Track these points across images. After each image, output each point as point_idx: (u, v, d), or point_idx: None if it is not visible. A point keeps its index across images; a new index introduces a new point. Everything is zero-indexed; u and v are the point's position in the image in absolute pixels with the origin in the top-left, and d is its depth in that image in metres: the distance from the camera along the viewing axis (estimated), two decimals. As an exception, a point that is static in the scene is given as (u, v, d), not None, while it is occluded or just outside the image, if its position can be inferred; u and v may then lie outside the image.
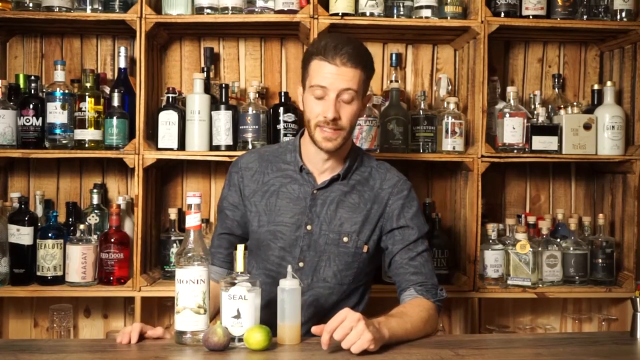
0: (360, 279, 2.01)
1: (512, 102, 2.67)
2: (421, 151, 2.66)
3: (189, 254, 1.67)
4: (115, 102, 2.58)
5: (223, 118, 2.59)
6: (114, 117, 2.56)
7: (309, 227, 1.95)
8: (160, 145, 2.60)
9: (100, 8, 2.58)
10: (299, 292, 1.71)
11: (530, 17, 2.64)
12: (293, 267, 1.77)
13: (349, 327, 1.59)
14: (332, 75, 1.83)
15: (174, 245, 2.65)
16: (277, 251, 1.96)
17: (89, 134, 2.57)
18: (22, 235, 2.55)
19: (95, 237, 2.59)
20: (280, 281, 1.71)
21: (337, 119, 1.85)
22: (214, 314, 1.84)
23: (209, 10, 2.57)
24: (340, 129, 1.87)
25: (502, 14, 2.63)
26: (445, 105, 2.68)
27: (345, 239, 1.95)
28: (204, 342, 1.61)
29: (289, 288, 1.69)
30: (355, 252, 1.96)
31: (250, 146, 2.55)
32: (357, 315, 1.60)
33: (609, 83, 2.74)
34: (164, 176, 2.89)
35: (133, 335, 1.70)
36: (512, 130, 2.64)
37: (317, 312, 1.96)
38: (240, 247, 1.68)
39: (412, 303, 1.87)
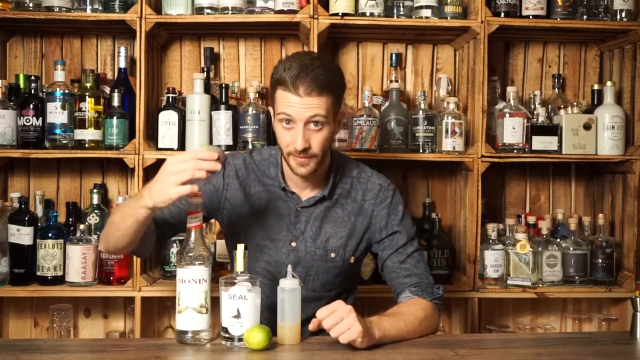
0: (349, 280, 2.01)
1: (512, 102, 2.67)
2: (421, 151, 2.66)
3: (191, 254, 1.66)
4: (115, 102, 2.58)
5: (223, 118, 2.59)
6: (114, 117, 2.56)
7: (293, 244, 1.92)
8: (160, 145, 2.60)
9: (100, 8, 2.58)
10: (299, 291, 1.70)
11: (530, 17, 2.64)
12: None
13: (339, 317, 1.59)
14: (298, 105, 1.76)
15: (174, 245, 2.65)
16: (263, 264, 1.94)
17: (89, 134, 2.57)
18: (22, 235, 2.55)
19: (95, 237, 2.59)
20: (280, 281, 1.70)
21: (308, 148, 1.80)
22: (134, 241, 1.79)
23: (209, 10, 2.57)
24: (312, 156, 1.82)
25: (502, 14, 2.63)
26: (445, 105, 2.68)
27: (332, 255, 1.93)
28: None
29: (288, 288, 1.69)
30: (342, 264, 1.95)
31: (250, 146, 2.55)
32: (349, 307, 1.60)
33: (609, 83, 2.74)
34: (164, 176, 2.88)
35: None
36: (512, 130, 2.64)
37: (309, 316, 1.93)
38: (240, 247, 1.68)
39: (408, 303, 1.86)
